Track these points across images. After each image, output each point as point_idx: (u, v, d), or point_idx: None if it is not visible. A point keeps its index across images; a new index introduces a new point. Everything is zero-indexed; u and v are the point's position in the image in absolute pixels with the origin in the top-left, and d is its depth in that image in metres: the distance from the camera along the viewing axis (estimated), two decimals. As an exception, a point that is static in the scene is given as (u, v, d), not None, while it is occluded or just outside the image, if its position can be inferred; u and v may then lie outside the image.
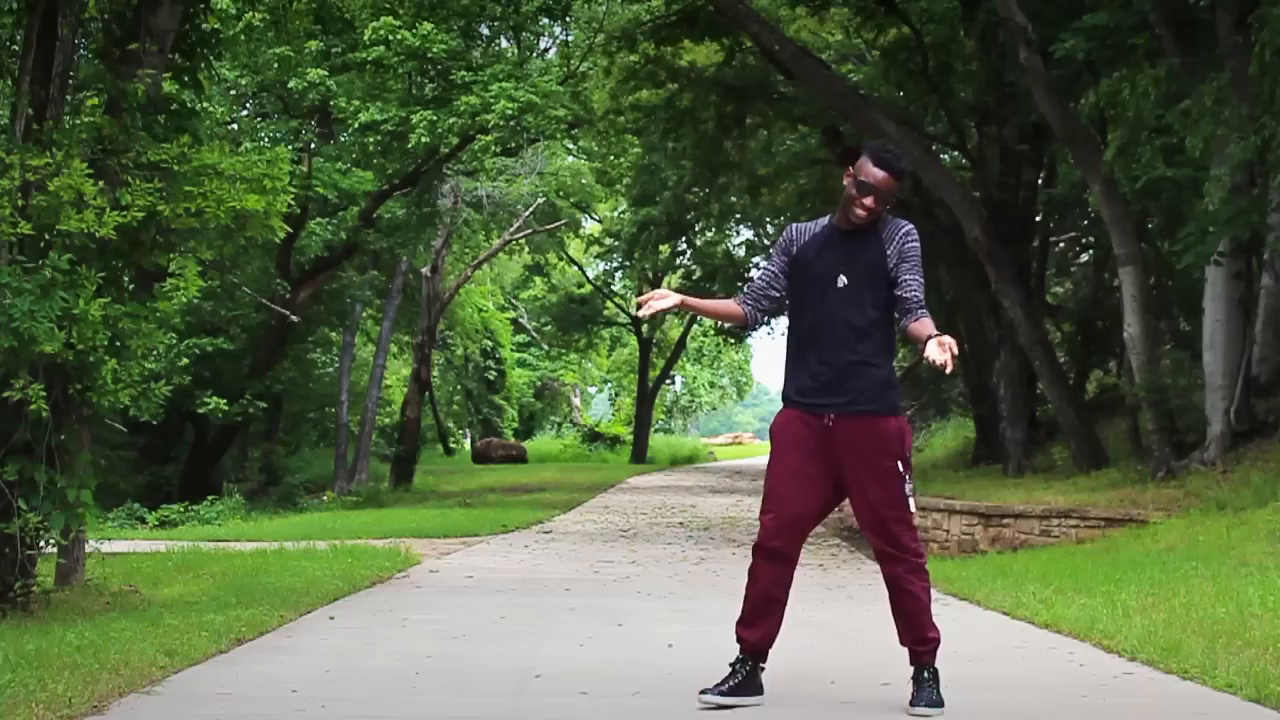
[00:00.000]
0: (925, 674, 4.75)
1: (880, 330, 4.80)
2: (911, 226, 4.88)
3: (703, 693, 4.76)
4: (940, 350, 4.51)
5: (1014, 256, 16.74)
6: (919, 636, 4.78)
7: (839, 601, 8.45)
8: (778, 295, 4.97)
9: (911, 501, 4.75)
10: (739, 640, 4.83)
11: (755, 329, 5.40)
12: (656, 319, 41.68)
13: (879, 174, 4.73)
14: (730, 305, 5.06)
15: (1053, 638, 6.54)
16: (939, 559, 11.98)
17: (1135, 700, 5.03)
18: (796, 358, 4.87)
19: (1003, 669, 5.69)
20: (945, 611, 7.53)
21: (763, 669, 4.84)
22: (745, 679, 4.78)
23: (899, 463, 4.71)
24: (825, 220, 4.94)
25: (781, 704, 4.84)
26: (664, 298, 4.88)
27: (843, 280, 4.78)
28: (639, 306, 4.93)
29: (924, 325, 4.70)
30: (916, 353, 25.23)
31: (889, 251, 4.78)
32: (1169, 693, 5.14)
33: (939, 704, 4.68)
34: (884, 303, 4.80)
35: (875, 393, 4.73)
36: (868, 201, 4.74)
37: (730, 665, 4.82)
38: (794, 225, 5.05)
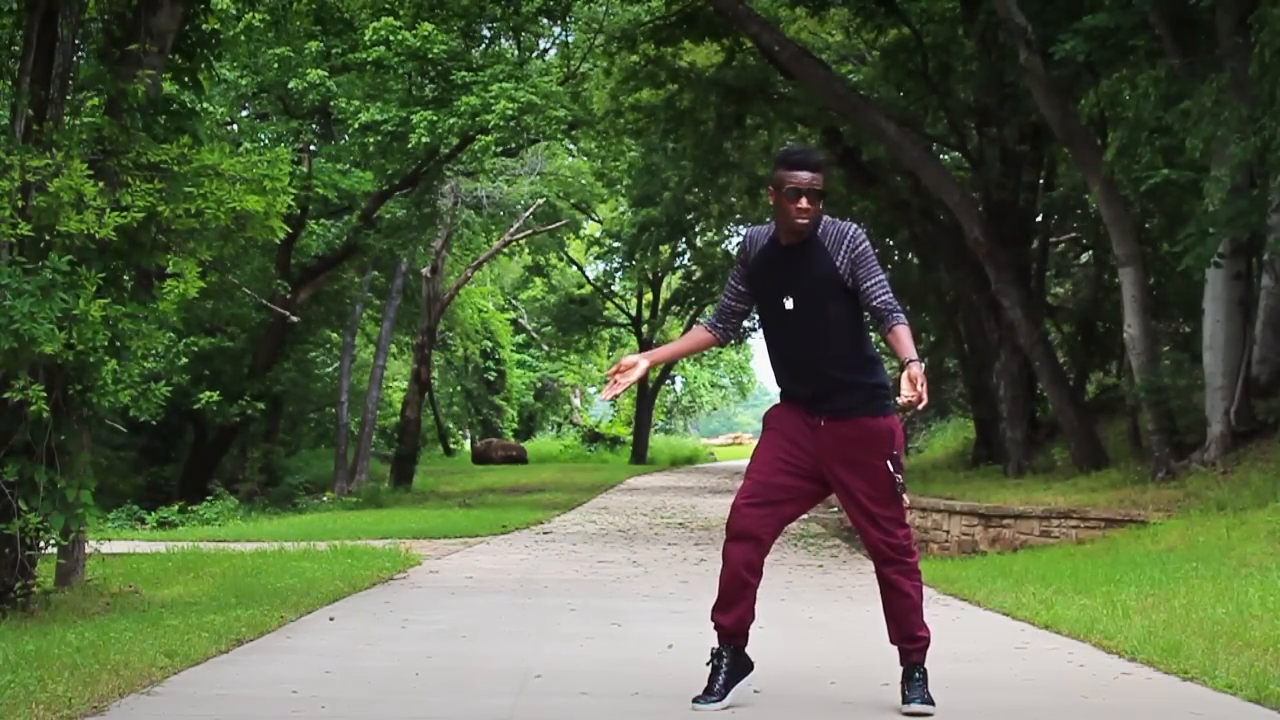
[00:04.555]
0: (916, 673, 4.75)
1: (850, 340, 4.68)
2: (855, 227, 4.73)
3: (695, 700, 4.73)
4: (910, 388, 4.39)
5: (1014, 257, 16.74)
6: (908, 634, 4.78)
7: (839, 602, 8.45)
8: (746, 309, 4.91)
9: (905, 499, 4.73)
10: (716, 627, 4.80)
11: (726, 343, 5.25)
12: (657, 319, 41.71)
13: (802, 175, 4.63)
14: (699, 336, 4.98)
15: (1053, 638, 6.54)
16: (939, 559, 11.98)
17: (1135, 701, 5.03)
18: (778, 368, 4.85)
19: (1003, 669, 5.70)
20: (945, 612, 7.54)
21: (743, 646, 4.82)
22: (730, 670, 4.77)
23: (888, 461, 4.67)
24: (771, 228, 4.78)
25: (781, 705, 4.84)
26: (630, 368, 4.74)
27: (789, 302, 4.67)
28: (607, 383, 4.79)
29: (900, 339, 4.54)
30: (916, 353, 25.06)
31: (838, 262, 4.62)
32: (1169, 693, 5.14)
33: (931, 702, 4.69)
34: (845, 313, 4.65)
35: (862, 400, 4.68)
36: (803, 204, 4.62)
37: (709, 661, 4.78)
38: (750, 232, 4.91)
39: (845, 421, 4.68)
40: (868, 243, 4.70)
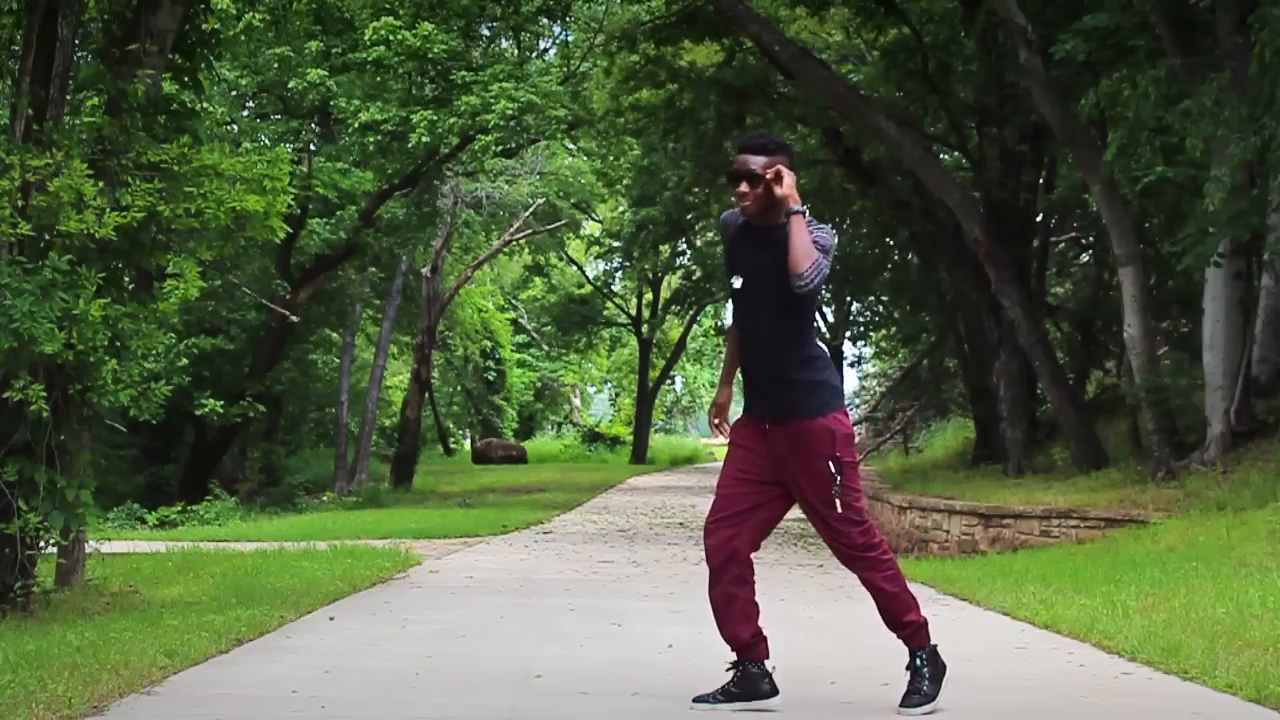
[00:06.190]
0: (918, 660, 4.72)
1: (793, 330, 4.67)
2: (828, 228, 4.71)
3: (695, 700, 4.75)
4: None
5: (1014, 257, 16.74)
6: (895, 621, 4.77)
7: (839, 601, 8.45)
8: None
9: (844, 499, 4.66)
10: (725, 641, 4.80)
11: None
12: (657, 319, 41.70)
13: (739, 158, 4.69)
14: (735, 336, 4.92)
15: (1053, 638, 6.54)
16: (939, 559, 11.98)
17: (1135, 700, 5.03)
18: (739, 355, 4.87)
19: (1003, 669, 5.70)
20: (945, 612, 7.54)
21: (772, 668, 4.77)
22: (739, 682, 4.74)
23: (829, 463, 4.64)
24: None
25: (782, 705, 4.84)
26: (725, 407, 4.89)
27: (739, 281, 4.70)
28: (716, 431, 4.91)
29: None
30: (916, 353, 25.08)
31: None
32: (1169, 693, 5.14)
33: (922, 703, 4.66)
34: (789, 305, 4.63)
35: (801, 398, 4.67)
36: (741, 188, 4.66)
37: (727, 668, 4.80)
38: (723, 217, 4.93)
39: (787, 424, 4.69)
40: (829, 237, 4.65)
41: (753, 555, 4.80)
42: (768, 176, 4.60)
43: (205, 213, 7.51)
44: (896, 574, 4.77)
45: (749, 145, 4.72)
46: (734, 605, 4.74)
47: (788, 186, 4.59)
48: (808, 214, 4.59)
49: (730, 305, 4.88)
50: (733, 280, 4.73)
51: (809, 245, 4.53)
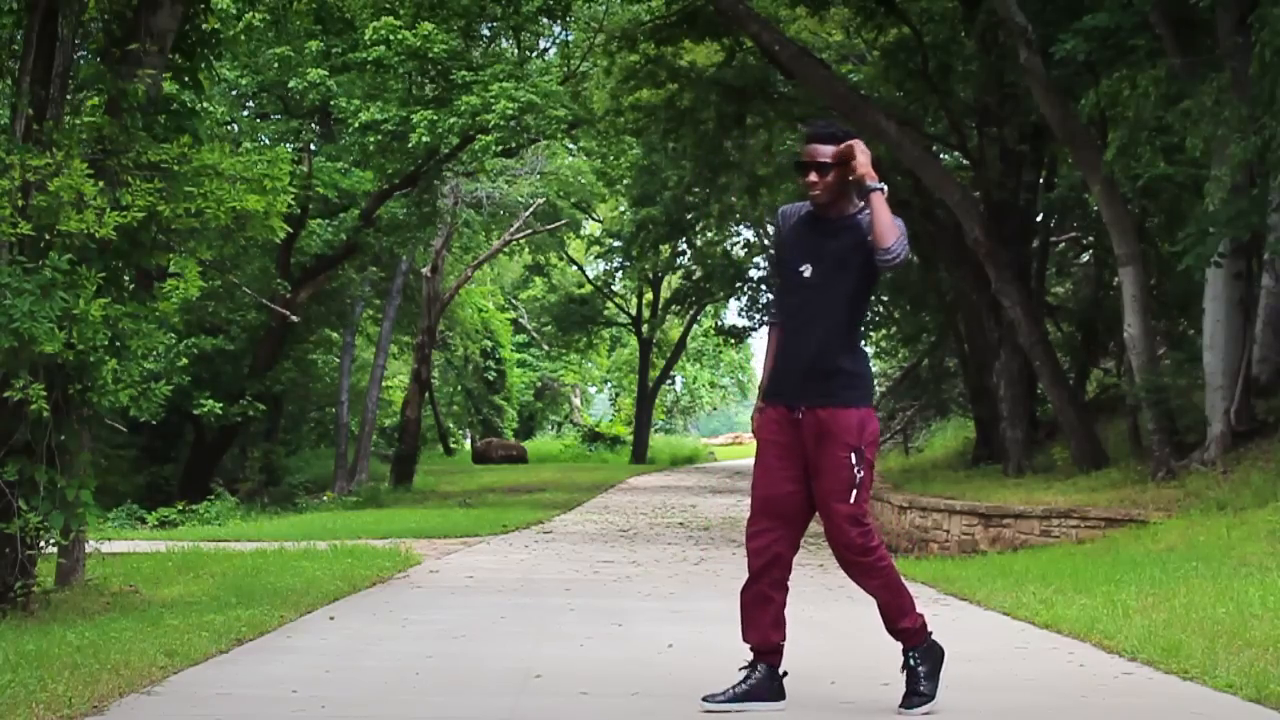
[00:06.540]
0: (912, 659, 4.74)
1: (847, 317, 4.71)
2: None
3: (704, 698, 4.75)
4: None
5: (1014, 257, 16.73)
6: (891, 627, 4.80)
7: (839, 601, 8.45)
8: None
9: (854, 494, 4.64)
10: (748, 642, 4.82)
11: None
12: (657, 319, 41.69)
13: (809, 149, 4.70)
14: (775, 337, 4.91)
15: (1053, 638, 6.54)
16: (939, 559, 11.98)
17: (1135, 700, 5.03)
18: (775, 350, 4.86)
19: (1003, 669, 5.70)
20: (945, 612, 7.54)
21: (783, 674, 4.79)
22: (755, 683, 4.74)
23: (851, 454, 4.64)
24: (807, 204, 4.85)
25: (785, 707, 4.83)
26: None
27: (808, 269, 4.71)
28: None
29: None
30: (916, 353, 25.13)
31: (868, 240, 4.63)
32: (1169, 693, 5.14)
33: (921, 703, 4.67)
34: (854, 288, 4.70)
35: (837, 385, 4.67)
36: (811, 178, 4.68)
37: (742, 668, 4.81)
38: (783, 209, 4.98)
39: (820, 411, 4.67)
40: (900, 221, 4.69)
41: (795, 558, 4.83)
42: (841, 153, 4.61)
43: (205, 213, 7.51)
44: (892, 580, 4.78)
45: (817, 135, 4.72)
46: (769, 608, 4.76)
47: (863, 165, 4.58)
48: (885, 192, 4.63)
49: (779, 298, 4.88)
50: (801, 269, 4.70)
51: (892, 220, 4.58)
